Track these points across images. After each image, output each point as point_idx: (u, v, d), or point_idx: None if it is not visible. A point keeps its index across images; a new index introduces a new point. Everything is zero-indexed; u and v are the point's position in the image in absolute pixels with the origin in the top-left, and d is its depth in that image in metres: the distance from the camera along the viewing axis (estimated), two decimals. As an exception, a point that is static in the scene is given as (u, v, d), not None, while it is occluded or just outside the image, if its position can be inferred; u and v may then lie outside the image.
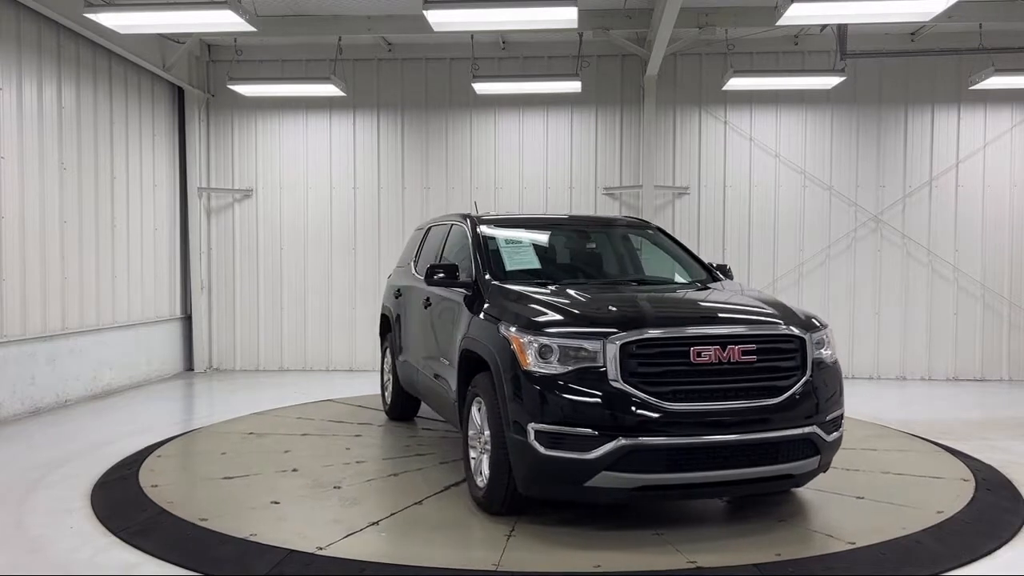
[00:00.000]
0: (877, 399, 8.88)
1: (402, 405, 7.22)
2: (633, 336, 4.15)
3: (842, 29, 9.30)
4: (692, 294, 5.34)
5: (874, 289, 10.36)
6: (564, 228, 6.46)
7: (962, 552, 4.18)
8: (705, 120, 10.52)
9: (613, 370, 4.09)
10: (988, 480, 5.47)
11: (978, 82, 9.43)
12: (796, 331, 4.42)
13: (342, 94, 10.05)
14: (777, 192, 10.48)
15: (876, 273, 10.39)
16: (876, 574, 3.97)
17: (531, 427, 4.13)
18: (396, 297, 7.15)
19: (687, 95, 10.49)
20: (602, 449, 3.99)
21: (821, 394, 4.39)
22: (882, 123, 10.40)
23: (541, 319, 4.39)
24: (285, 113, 10.86)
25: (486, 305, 4.89)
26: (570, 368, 4.15)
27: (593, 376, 4.11)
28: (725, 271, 5.96)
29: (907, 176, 10.37)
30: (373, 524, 4.48)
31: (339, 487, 5.19)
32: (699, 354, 4.15)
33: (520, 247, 5.69)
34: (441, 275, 5.31)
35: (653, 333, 4.20)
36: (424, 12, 7.11)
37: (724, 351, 4.17)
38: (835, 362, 4.66)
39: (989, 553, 4.20)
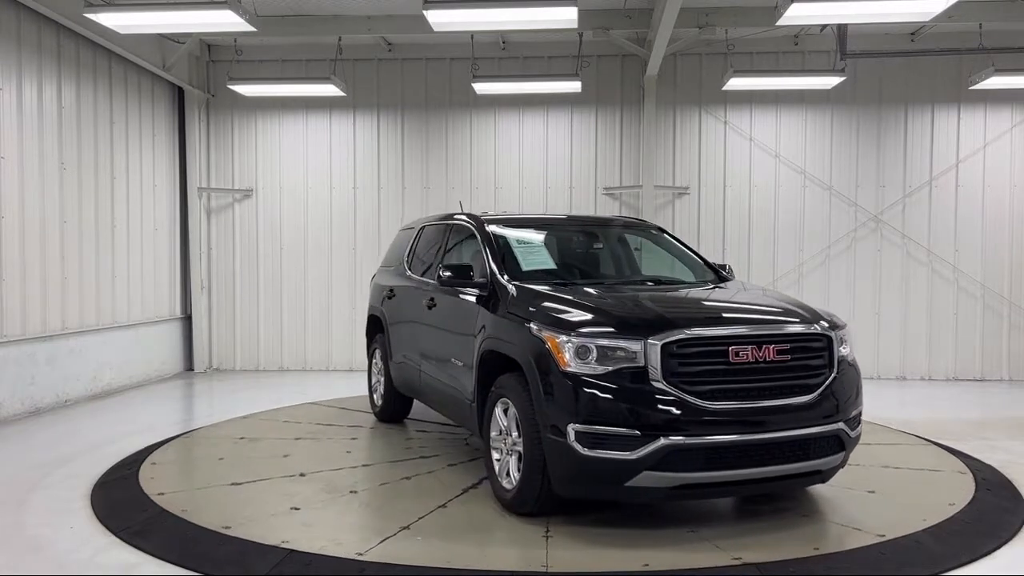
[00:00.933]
0: (877, 399, 8.86)
1: (394, 407, 7.16)
2: (674, 336, 4.18)
3: (842, 29, 9.30)
4: (716, 293, 5.36)
5: (874, 289, 10.36)
6: (572, 228, 6.45)
7: (962, 552, 4.18)
8: (705, 120, 10.52)
9: (655, 370, 4.12)
10: (988, 480, 5.47)
11: (978, 82, 9.43)
12: (824, 330, 4.52)
13: (342, 94, 10.05)
14: (777, 192, 10.48)
15: (876, 273, 10.39)
16: (876, 574, 3.97)
17: (571, 428, 4.13)
18: (388, 298, 7.04)
19: (687, 95, 10.49)
20: (645, 449, 4.02)
21: (846, 391, 4.50)
22: (882, 123, 10.40)
23: (578, 319, 4.39)
24: (285, 113, 10.86)
25: (509, 305, 4.86)
26: (610, 368, 4.15)
27: (635, 376, 4.13)
28: (727, 271, 5.99)
29: (907, 176, 10.37)
30: (404, 528, 4.42)
31: (355, 492, 5.13)
32: (737, 353, 4.21)
33: (532, 247, 5.65)
34: (454, 276, 5.27)
35: (694, 333, 4.24)
36: (424, 12, 7.11)
37: (760, 350, 4.24)
38: (854, 360, 4.76)
39: (989, 553, 4.20)
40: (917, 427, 7.16)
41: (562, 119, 10.66)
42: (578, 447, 4.10)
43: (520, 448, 4.52)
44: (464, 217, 6.17)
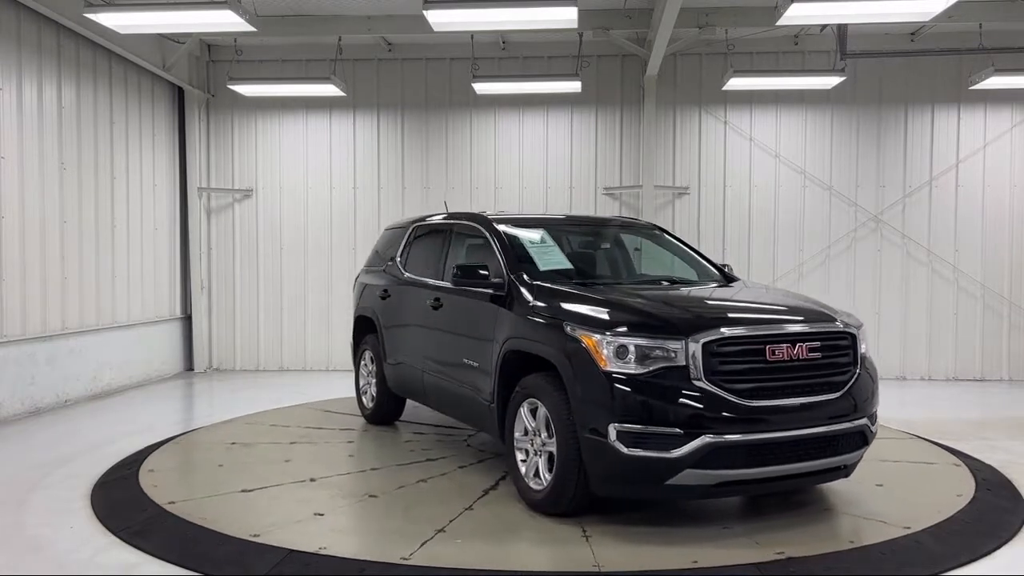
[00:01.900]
0: (877, 399, 8.87)
1: (387, 409, 7.07)
2: (715, 335, 4.22)
3: (842, 29, 9.30)
4: (736, 293, 5.42)
5: (874, 289, 10.37)
6: (580, 228, 6.43)
7: (962, 552, 4.18)
8: (705, 120, 10.52)
9: (696, 369, 4.15)
10: (988, 480, 5.47)
11: (978, 82, 9.43)
12: (849, 328, 4.63)
13: (342, 94, 10.06)
14: (777, 192, 10.48)
15: (876, 273, 10.40)
16: (876, 574, 3.97)
17: (612, 427, 4.14)
18: (382, 299, 6.92)
19: (687, 95, 10.49)
20: (687, 447, 4.05)
21: (868, 388, 4.63)
22: (882, 123, 10.40)
23: (616, 319, 4.39)
24: (285, 113, 10.86)
25: (534, 306, 4.84)
26: (650, 368, 4.18)
27: (676, 375, 4.16)
28: (728, 271, 6.05)
29: (907, 176, 10.37)
30: (440, 531, 4.37)
31: (375, 496, 5.03)
32: (773, 352, 4.28)
33: (545, 247, 5.61)
34: (469, 276, 5.24)
35: (734, 332, 4.30)
36: (424, 12, 7.11)
37: (794, 348, 4.33)
38: (870, 357, 4.84)
39: (989, 553, 4.20)
40: (917, 427, 7.16)
41: (562, 119, 10.66)
42: (619, 446, 4.12)
43: (552, 448, 4.52)
44: (471, 217, 6.12)
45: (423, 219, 7.02)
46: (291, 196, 10.91)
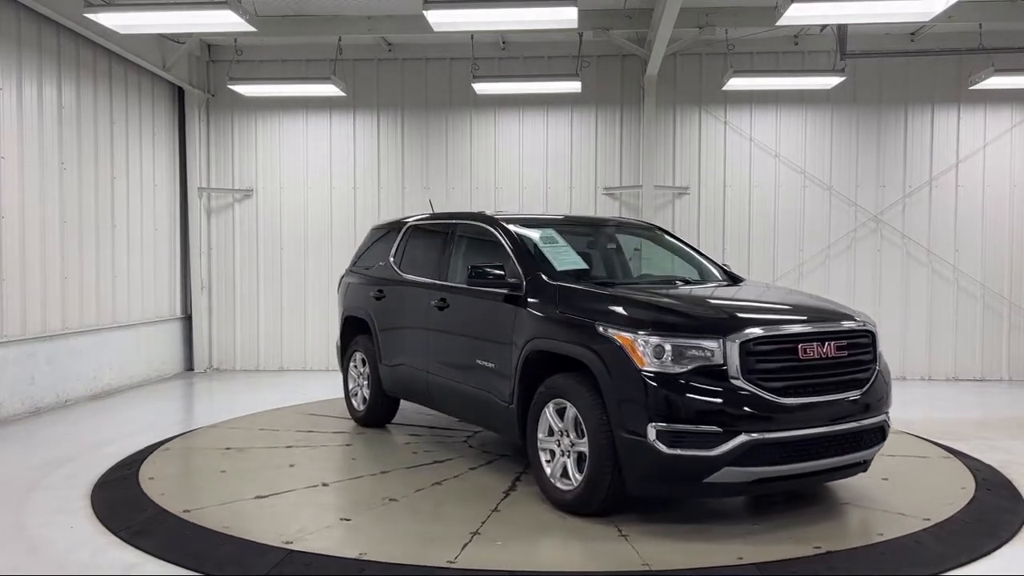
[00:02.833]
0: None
1: (380, 412, 6.99)
2: (751, 334, 4.28)
3: (842, 29, 9.30)
4: (759, 293, 5.51)
5: (874, 289, 10.36)
6: (588, 229, 6.40)
7: (962, 552, 4.18)
8: (705, 120, 10.52)
9: (733, 368, 4.21)
10: (988, 480, 5.47)
11: (978, 82, 9.44)
12: (869, 326, 4.76)
13: (342, 94, 10.06)
14: (777, 192, 10.48)
15: (876, 273, 10.40)
16: (876, 574, 3.97)
17: (651, 427, 4.16)
18: (377, 300, 6.80)
19: (687, 95, 10.49)
20: (727, 445, 4.10)
21: (886, 385, 4.79)
22: (882, 123, 10.40)
23: (653, 319, 4.41)
24: (285, 113, 10.86)
25: (560, 306, 4.83)
26: (687, 367, 4.21)
27: (715, 374, 4.20)
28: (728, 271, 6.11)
29: (907, 176, 10.38)
30: (475, 534, 4.34)
31: (395, 500, 4.95)
32: (805, 350, 4.37)
33: (558, 247, 5.59)
34: (485, 276, 5.20)
35: (769, 331, 4.36)
36: (424, 12, 7.11)
37: (823, 347, 4.43)
38: (882, 354, 4.94)
39: (989, 553, 4.20)
40: (917, 427, 7.16)
41: (562, 119, 10.66)
42: (659, 446, 4.15)
43: (583, 449, 4.52)
44: (477, 217, 6.08)
45: (418, 218, 6.97)
46: (291, 196, 10.91)
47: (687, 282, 5.70)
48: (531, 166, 10.70)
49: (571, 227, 6.29)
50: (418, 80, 10.76)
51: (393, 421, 7.19)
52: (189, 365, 10.93)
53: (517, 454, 6.03)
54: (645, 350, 4.25)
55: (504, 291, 5.22)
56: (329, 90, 9.91)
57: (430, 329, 6.08)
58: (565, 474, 4.69)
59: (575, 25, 7.30)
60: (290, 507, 4.86)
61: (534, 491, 5.01)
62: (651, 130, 10.23)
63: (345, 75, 10.46)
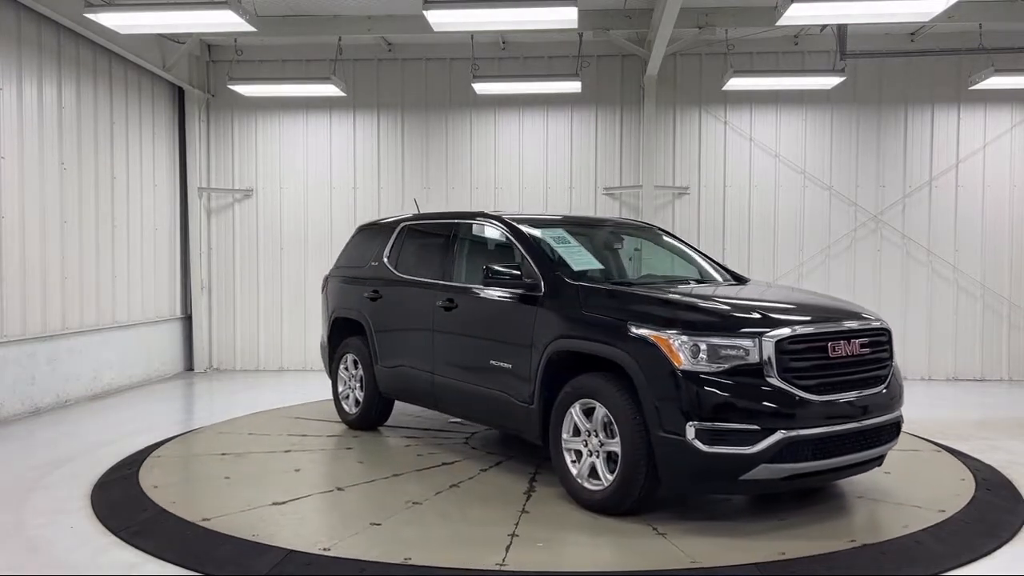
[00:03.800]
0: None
1: (375, 414, 6.86)
2: (786, 333, 4.36)
3: (842, 29, 9.30)
4: (781, 293, 5.60)
5: (874, 289, 10.36)
6: (595, 229, 6.38)
7: (962, 552, 4.18)
8: (705, 120, 10.52)
9: (769, 366, 4.28)
10: (988, 480, 5.47)
11: (978, 82, 9.44)
12: (886, 324, 4.89)
13: (342, 94, 10.06)
14: (777, 192, 10.48)
15: (876, 273, 10.40)
16: (876, 574, 3.97)
17: (690, 426, 4.20)
18: (372, 300, 6.65)
19: (687, 95, 10.49)
20: (764, 443, 4.17)
21: (900, 381, 4.93)
22: (882, 123, 10.40)
23: (690, 318, 4.46)
24: (285, 113, 10.86)
25: (585, 306, 4.83)
26: (726, 366, 4.26)
27: (751, 373, 4.27)
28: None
29: (907, 176, 10.38)
30: (513, 536, 4.31)
31: (418, 503, 4.88)
32: (834, 348, 4.47)
33: (572, 247, 5.58)
34: (501, 276, 5.18)
35: (802, 330, 4.44)
36: (424, 12, 7.11)
37: (850, 345, 4.54)
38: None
39: (989, 553, 4.20)
40: (917, 427, 7.16)
41: (562, 119, 10.66)
42: (698, 444, 4.19)
43: (614, 448, 4.54)
44: (485, 216, 6.04)
45: (414, 218, 6.90)
46: (291, 196, 10.92)
47: (700, 281, 5.75)
48: (531, 166, 10.70)
49: (579, 228, 6.21)
50: (418, 80, 10.76)
51: (382, 424, 7.03)
52: (189, 365, 10.93)
53: (524, 454, 6.04)
54: (682, 350, 4.29)
55: (519, 291, 5.20)
56: (329, 90, 9.91)
57: (436, 330, 5.98)
58: (593, 474, 4.70)
59: (575, 25, 7.30)
60: (313, 513, 4.79)
61: (555, 492, 5.02)
62: (651, 130, 10.23)
63: (345, 75, 10.46)
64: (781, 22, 7.27)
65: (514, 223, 5.72)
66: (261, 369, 10.98)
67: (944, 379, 10.30)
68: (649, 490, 4.48)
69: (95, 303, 8.94)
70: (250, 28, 7.66)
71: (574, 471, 4.80)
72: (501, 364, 5.33)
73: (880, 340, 4.77)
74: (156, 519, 4.63)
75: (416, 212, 7.24)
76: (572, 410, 4.79)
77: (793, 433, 4.20)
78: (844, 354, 4.49)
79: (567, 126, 10.67)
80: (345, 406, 7.11)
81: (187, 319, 10.91)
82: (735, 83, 9.52)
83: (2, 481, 5.51)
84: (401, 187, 10.79)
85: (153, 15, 7.40)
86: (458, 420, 7.12)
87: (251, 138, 10.95)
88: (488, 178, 10.74)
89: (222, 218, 11.02)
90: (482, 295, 5.58)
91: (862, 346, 4.59)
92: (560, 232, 5.74)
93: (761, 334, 4.30)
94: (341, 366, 7.13)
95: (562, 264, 5.28)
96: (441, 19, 7.32)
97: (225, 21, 7.50)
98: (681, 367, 4.27)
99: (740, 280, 5.95)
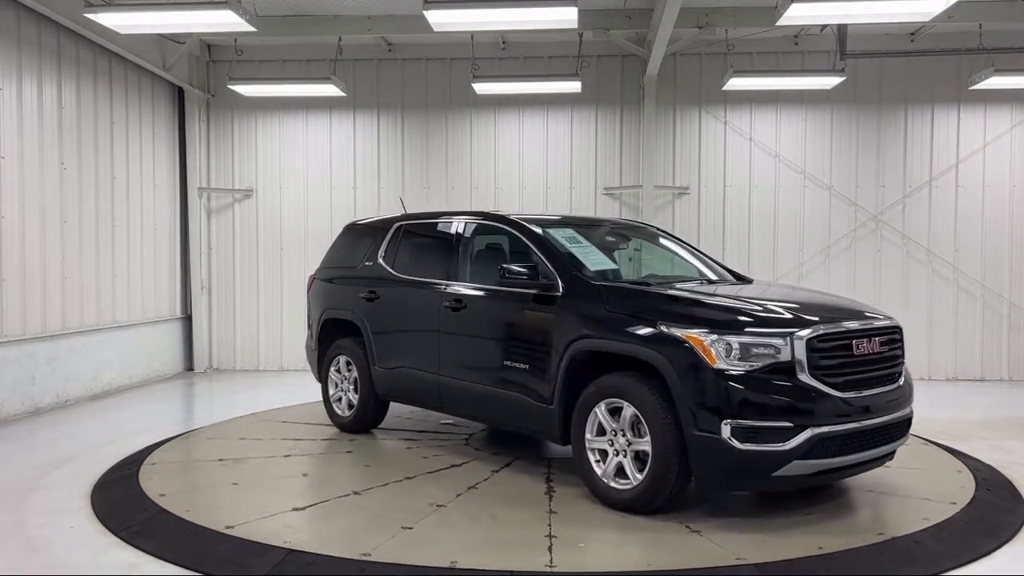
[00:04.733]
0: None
1: (371, 417, 6.75)
2: (816, 331, 4.45)
3: (842, 29, 9.30)
4: (804, 294, 5.63)
5: (874, 289, 10.36)
6: (602, 229, 6.35)
7: (962, 552, 4.18)
8: (705, 120, 10.52)
9: (800, 364, 4.36)
10: (988, 480, 5.48)
11: (978, 82, 9.43)
12: (898, 323, 5.00)
13: (342, 94, 10.06)
14: (777, 192, 10.48)
15: (876, 273, 10.40)
16: (876, 574, 3.97)
17: (725, 424, 4.25)
18: (369, 301, 6.55)
19: (687, 95, 10.49)
20: (797, 440, 4.25)
21: (910, 379, 5.05)
22: (882, 123, 10.40)
23: (724, 318, 4.53)
24: (285, 113, 10.86)
25: (609, 305, 4.83)
26: (757, 364, 4.33)
27: (784, 371, 4.35)
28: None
29: (907, 176, 10.38)
30: (551, 537, 4.31)
31: (443, 506, 4.84)
32: (858, 346, 4.58)
33: (584, 247, 5.57)
34: (518, 276, 5.17)
35: (830, 328, 4.53)
36: (424, 12, 7.11)
37: (871, 343, 4.66)
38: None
39: (989, 553, 4.20)
40: (917, 427, 7.09)
41: (562, 119, 10.66)
42: (734, 442, 4.25)
43: (642, 447, 4.57)
44: (493, 217, 6.00)
45: (412, 217, 6.80)
46: (291, 196, 10.92)
47: (711, 281, 5.80)
48: (531, 166, 10.70)
49: (592, 228, 6.21)
50: (418, 80, 10.76)
51: (376, 427, 6.93)
52: (189, 365, 10.93)
53: (530, 454, 6.07)
54: (717, 349, 4.34)
55: (534, 291, 5.20)
56: (329, 90, 9.91)
57: (443, 331, 5.90)
58: (619, 473, 4.72)
59: (575, 25, 7.30)
60: (338, 518, 4.70)
61: (576, 491, 5.03)
62: (651, 130, 10.23)
63: (345, 75, 10.46)
64: (781, 22, 7.27)
65: (525, 223, 5.71)
66: (261, 369, 10.98)
67: (944, 379, 10.30)
68: (679, 488, 4.55)
69: (95, 303, 8.94)
70: (250, 28, 7.66)
71: (599, 471, 4.81)
72: (516, 365, 5.31)
73: (895, 338, 4.88)
74: (156, 519, 4.63)
75: (403, 212, 7.17)
76: (597, 410, 4.79)
77: (823, 429, 4.29)
78: (866, 352, 4.60)
79: (567, 126, 10.67)
80: (337, 409, 6.97)
81: (187, 319, 10.91)
82: (735, 83, 9.52)
83: (2, 481, 5.51)
84: (401, 187, 10.79)
85: (153, 15, 7.40)
86: (450, 421, 7.11)
87: (251, 138, 10.95)
88: (488, 178, 10.74)
89: (222, 218, 11.02)
90: (494, 296, 5.54)
91: (881, 344, 4.70)
92: (571, 232, 5.73)
93: (792, 333, 4.38)
94: (332, 368, 6.99)
95: (578, 264, 5.29)
96: (441, 19, 7.32)
97: (225, 21, 7.50)
98: (715, 366, 4.32)
99: (743, 280, 5.97)
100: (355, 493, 5.13)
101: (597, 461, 4.84)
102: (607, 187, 10.58)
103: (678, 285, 5.41)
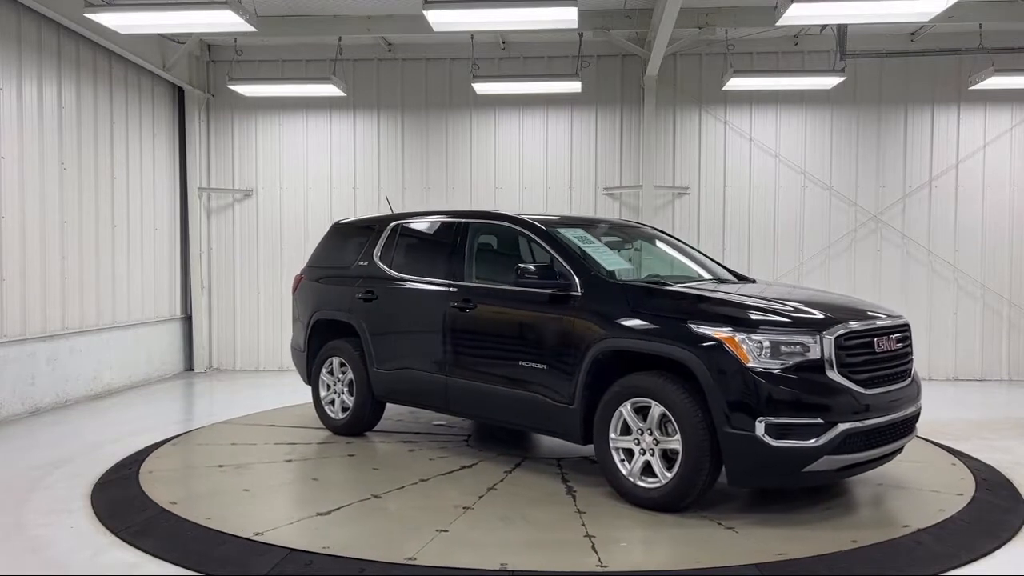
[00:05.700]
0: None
1: (368, 419, 6.65)
2: (843, 329, 4.56)
3: (842, 29, 9.30)
4: (811, 293, 5.75)
5: (874, 289, 10.35)
6: (607, 230, 6.33)
7: (962, 552, 4.19)
8: (705, 120, 10.52)
9: (829, 362, 4.47)
10: (988, 480, 5.48)
11: (978, 82, 9.43)
12: (908, 321, 5.18)
13: (342, 94, 10.06)
14: (777, 192, 10.48)
15: (876, 273, 10.40)
16: (876, 574, 3.97)
17: (759, 421, 4.32)
18: (367, 301, 6.42)
19: (687, 95, 10.49)
20: (827, 436, 4.36)
21: (918, 375, 5.20)
22: (882, 123, 10.40)
23: (756, 317, 4.57)
24: (285, 113, 10.86)
25: (636, 305, 4.84)
26: (788, 363, 4.42)
27: (814, 368, 4.45)
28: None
29: (907, 176, 10.37)
30: (590, 537, 4.30)
31: (469, 508, 4.80)
32: (879, 343, 4.73)
33: (598, 248, 5.56)
34: (536, 276, 5.17)
35: (856, 327, 4.65)
36: (424, 12, 7.10)
37: (890, 340, 4.81)
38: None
39: (989, 553, 4.20)
40: (917, 427, 7.15)
41: (562, 119, 10.66)
42: (767, 439, 4.32)
43: (672, 446, 4.61)
44: (502, 217, 5.97)
45: (407, 217, 6.71)
46: (291, 196, 10.92)
47: (722, 280, 5.87)
48: (531, 166, 10.70)
49: (597, 228, 6.20)
50: (418, 80, 10.76)
51: (371, 429, 6.82)
52: (189, 365, 10.93)
53: (537, 453, 6.10)
54: (750, 347, 4.41)
55: (550, 291, 5.19)
56: (329, 90, 9.91)
57: (451, 331, 5.81)
58: (646, 472, 4.74)
59: (575, 25, 7.29)
60: (368, 521, 4.63)
61: (597, 490, 5.04)
62: (651, 130, 10.23)
63: (345, 75, 10.46)
64: (781, 22, 7.27)
65: (538, 223, 5.69)
66: (261, 369, 10.97)
67: (944, 379, 10.30)
68: (708, 486, 4.58)
69: (95, 303, 8.94)
70: (250, 28, 7.65)
71: (624, 470, 4.82)
72: (532, 365, 5.27)
73: (907, 336, 5.03)
74: (156, 519, 4.63)
75: (390, 211, 7.13)
76: (622, 409, 4.80)
77: (851, 425, 4.41)
78: (886, 349, 4.74)
79: (567, 126, 10.67)
80: (330, 412, 6.83)
81: (187, 319, 10.91)
82: (735, 83, 9.52)
83: (2, 481, 5.51)
84: (401, 187, 10.79)
85: (153, 15, 7.40)
86: (443, 422, 7.10)
87: (251, 138, 10.95)
88: (488, 178, 10.74)
89: (222, 218, 11.02)
90: (507, 296, 5.50)
91: (897, 341, 4.84)
92: (581, 232, 5.74)
93: (821, 331, 4.48)
94: (324, 370, 6.85)
95: (595, 264, 5.29)
96: (441, 19, 7.32)
97: (225, 21, 7.50)
98: (749, 365, 4.39)
99: (744, 280, 6.00)
100: (375, 497, 5.05)
101: (622, 460, 4.85)
102: (607, 187, 10.58)
103: (693, 285, 5.44)
